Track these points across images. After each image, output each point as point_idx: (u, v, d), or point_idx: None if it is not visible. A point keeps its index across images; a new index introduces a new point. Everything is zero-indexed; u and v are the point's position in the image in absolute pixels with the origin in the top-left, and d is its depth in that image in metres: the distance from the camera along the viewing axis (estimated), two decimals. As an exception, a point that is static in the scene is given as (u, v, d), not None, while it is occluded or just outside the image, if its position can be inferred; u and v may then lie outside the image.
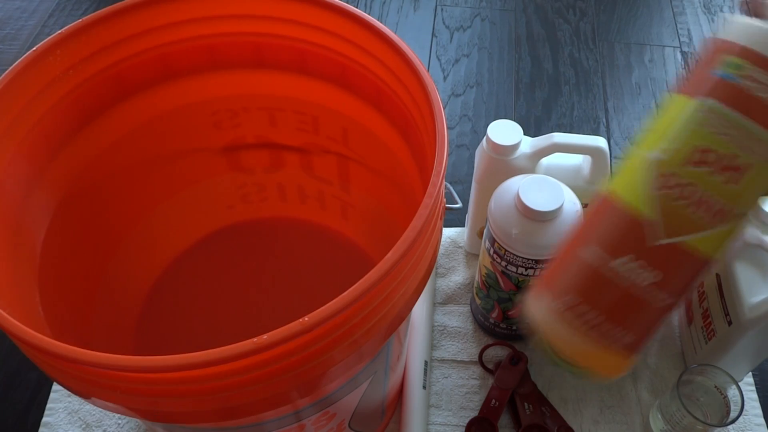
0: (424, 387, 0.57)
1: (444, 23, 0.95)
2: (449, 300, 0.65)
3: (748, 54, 0.22)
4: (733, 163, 0.23)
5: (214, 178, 0.61)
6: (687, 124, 0.23)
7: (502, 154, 0.56)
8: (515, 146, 0.55)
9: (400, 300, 0.35)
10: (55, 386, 0.60)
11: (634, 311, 0.25)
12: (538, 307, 0.28)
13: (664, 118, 0.25)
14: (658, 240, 0.24)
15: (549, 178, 0.50)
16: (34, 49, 0.42)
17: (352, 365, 0.35)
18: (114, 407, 0.33)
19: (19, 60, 0.41)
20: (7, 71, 0.40)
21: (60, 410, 0.58)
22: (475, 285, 0.60)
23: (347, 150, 0.56)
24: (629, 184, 0.25)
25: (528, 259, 0.50)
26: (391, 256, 0.31)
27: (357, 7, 0.45)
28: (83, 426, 0.57)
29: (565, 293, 0.26)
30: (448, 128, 0.37)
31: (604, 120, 0.83)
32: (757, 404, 0.59)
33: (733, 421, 0.49)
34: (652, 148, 0.25)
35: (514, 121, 0.56)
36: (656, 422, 0.55)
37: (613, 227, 0.25)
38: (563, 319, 0.26)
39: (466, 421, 0.57)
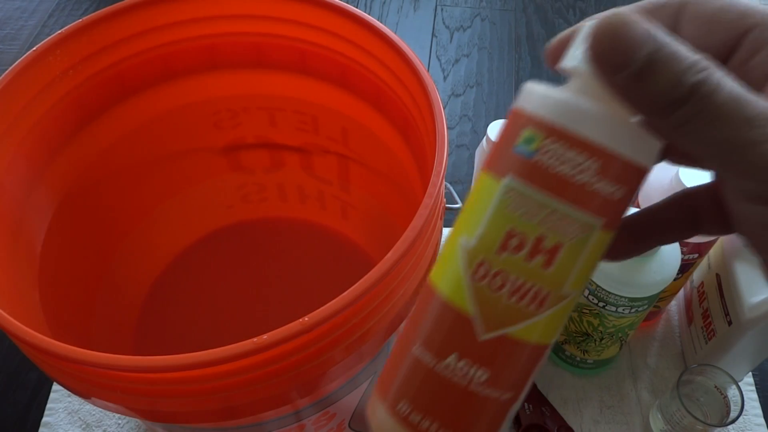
0: (424, 387, 0.57)
1: (444, 23, 0.95)
2: (449, 300, 0.65)
3: (541, 125, 0.21)
4: (542, 245, 0.21)
5: (214, 178, 0.61)
6: (491, 208, 0.22)
7: (502, 154, 0.56)
8: (515, 146, 0.55)
9: (400, 300, 0.35)
10: (55, 386, 0.60)
11: (475, 414, 0.23)
12: (375, 418, 0.25)
13: (472, 201, 0.23)
14: (480, 335, 0.22)
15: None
16: (34, 49, 0.42)
17: (352, 365, 0.35)
18: (114, 407, 0.33)
19: (19, 60, 0.41)
20: (7, 71, 0.40)
21: (60, 410, 0.58)
22: (475, 285, 0.60)
23: (347, 150, 0.56)
24: (444, 273, 0.23)
25: (528, 259, 0.50)
26: (391, 256, 0.31)
27: (357, 7, 0.45)
28: (83, 426, 0.57)
29: (398, 400, 0.24)
30: (448, 128, 0.37)
31: (604, 120, 0.83)
32: (757, 404, 0.59)
33: (733, 421, 0.49)
34: (464, 234, 0.23)
35: (514, 121, 0.56)
36: (656, 422, 0.55)
37: (435, 323, 0.23)
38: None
39: (466, 421, 0.57)
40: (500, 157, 0.22)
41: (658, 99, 0.18)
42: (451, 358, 0.22)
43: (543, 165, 0.21)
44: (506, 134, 0.22)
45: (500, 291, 0.22)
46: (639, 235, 0.24)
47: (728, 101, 0.18)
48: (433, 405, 0.23)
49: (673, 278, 0.47)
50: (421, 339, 0.23)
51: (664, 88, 0.18)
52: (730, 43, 0.20)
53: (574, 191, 0.21)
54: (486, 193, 0.22)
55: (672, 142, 0.20)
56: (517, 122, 0.22)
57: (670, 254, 0.47)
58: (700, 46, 0.21)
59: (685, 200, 0.24)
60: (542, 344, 0.23)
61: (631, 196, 0.22)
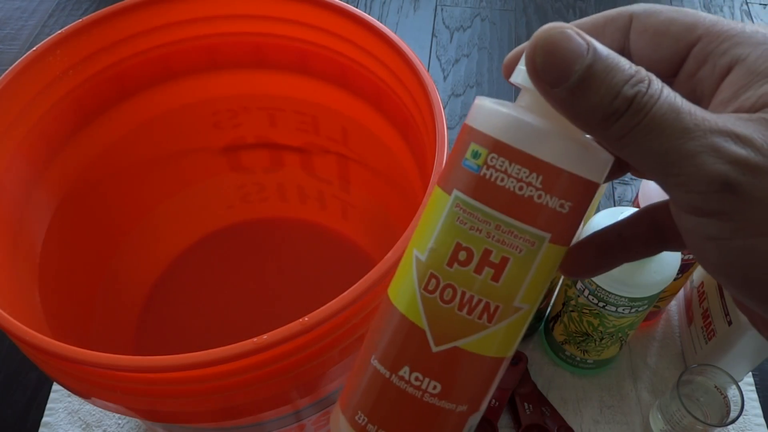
0: (424, 387, 0.57)
1: (444, 23, 0.95)
2: (449, 300, 0.65)
3: (486, 141, 0.21)
4: (489, 258, 0.21)
5: (214, 178, 0.61)
6: (442, 221, 0.22)
7: (502, 154, 0.56)
8: (515, 146, 0.55)
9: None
10: (55, 386, 0.60)
11: (430, 427, 0.23)
12: (336, 428, 0.25)
13: (426, 213, 0.23)
14: (432, 348, 0.22)
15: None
16: (34, 49, 0.42)
17: (352, 365, 0.35)
18: (114, 407, 0.33)
19: (19, 60, 0.41)
20: (7, 71, 0.40)
21: (60, 410, 0.58)
22: (475, 285, 0.60)
23: (347, 150, 0.56)
24: (399, 285, 0.23)
25: (528, 259, 0.50)
26: (391, 256, 0.31)
27: (357, 7, 0.45)
28: (83, 426, 0.57)
29: (356, 410, 0.24)
30: (448, 128, 0.37)
31: (604, 120, 0.83)
32: (757, 404, 0.59)
33: (733, 421, 0.49)
34: (417, 246, 0.23)
35: (514, 121, 0.56)
36: (656, 422, 0.55)
37: (390, 334, 0.23)
38: None
39: (466, 421, 0.57)
40: (450, 171, 0.22)
41: (596, 112, 0.18)
42: (405, 370, 0.23)
43: (488, 179, 0.21)
44: (456, 148, 0.22)
45: (450, 304, 0.22)
46: (605, 252, 0.24)
47: (666, 112, 0.17)
48: (388, 416, 0.23)
49: (673, 278, 0.47)
50: (378, 350, 0.24)
51: (602, 100, 0.18)
52: (679, 55, 0.20)
53: (518, 206, 0.21)
54: (437, 207, 0.22)
55: (615, 154, 0.20)
56: (465, 137, 0.22)
57: (670, 254, 0.47)
58: (650, 58, 0.21)
59: (648, 216, 0.24)
60: (497, 357, 0.23)
61: (581, 210, 0.22)
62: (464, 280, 0.22)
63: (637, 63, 0.19)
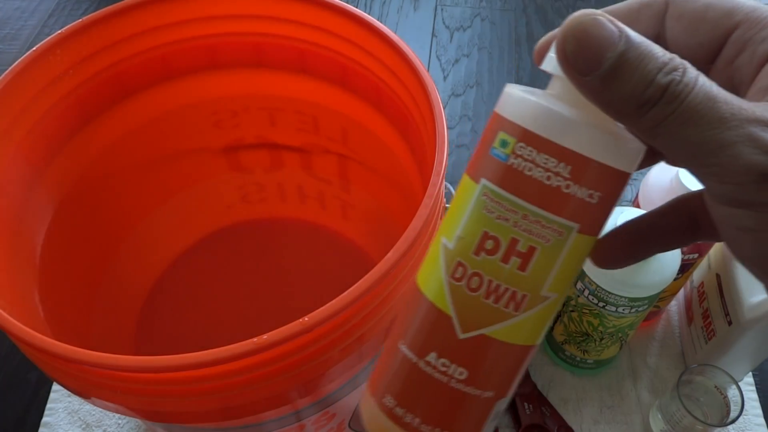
0: (424, 387, 0.57)
1: (444, 23, 0.95)
2: (449, 300, 0.65)
3: (514, 129, 0.21)
4: (516, 247, 0.21)
5: (214, 178, 0.61)
6: (470, 210, 0.22)
7: (502, 154, 0.56)
8: (515, 146, 0.55)
9: (400, 300, 0.35)
10: (55, 386, 0.60)
11: (456, 411, 0.23)
12: (364, 410, 0.25)
13: (455, 201, 0.23)
14: (459, 335, 0.22)
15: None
16: (34, 49, 0.42)
17: (352, 365, 0.35)
18: (114, 407, 0.33)
19: (19, 60, 0.41)
20: (7, 71, 0.40)
21: (60, 410, 0.58)
22: (475, 285, 0.60)
23: (347, 150, 0.56)
24: (428, 272, 0.23)
25: (528, 259, 0.50)
26: (391, 256, 0.31)
27: (357, 7, 0.45)
28: (83, 426, 0.57)
29: (384, 394, 0.24)
30: (448, 128, 0.37)
31: (604, 120, 0.83)
32: (757, 404, 0.59)
33: (733, 421, 0.49)
34: (445, 234, 0.23)
35: (514, 121, 0.56)
36: (656, 422, 0.55)
37: (417, 320, 0.23)
38: (385, 427, 0.24)
39: (466, 421, 0.57)
40: (478, 159, 0.22)
41: (628, 101, 0.18)
42: (432, 356, 0.23)
43: (516, 169, 0.21)
44: (485, 137, 0.22)
45: (477, 292, 0.22)
46: (637, 242, 0.24)
47: (702, 101, 0.17)
48: (415, 400, 0.23)
49: (673, 278, 0.47)
50: (406, 336, 0.24)
51: (635, 89, 0.18)
52: (717, 42, 0.20)
53: (546, 196, 0.21)
54: (465, 195, 0.22)
55: (648, 144, 0.20)
56: (494, 125, 0.22)
57: (670, 254, 0.48)
58: (686, 45, 0.20)
59: (682, 206, 0.23)
60: (524, 345, 0.23)
61: (612, 201, 0.21)
62: (491, 268, 0.22)
63: (672, 50, 0.19)
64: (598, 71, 0.18)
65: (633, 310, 0.49)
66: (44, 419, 0.57)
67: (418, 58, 0.41)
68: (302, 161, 0.60)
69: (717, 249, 0.56)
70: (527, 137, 0.21)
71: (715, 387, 0.53)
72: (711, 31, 0.20)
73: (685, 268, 0.55)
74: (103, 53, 0.46)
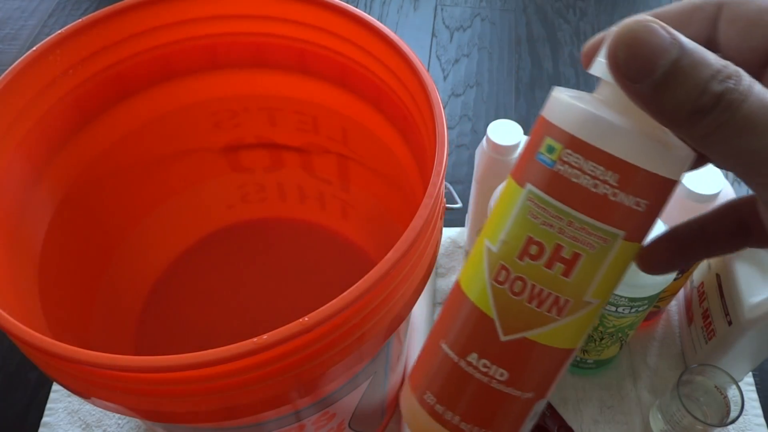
0: (424, 387, 0.57)
1: (444, 23, 0.95)
2: (449, 300, 0.65)
3: (561, 136, 0.21)
4: (561, 253, 0.21)
5: (214, 178, 0.61)
6: (515, 214, 0.22)
7: (502, 154, 0.56)
8: (515, 146, 0.55)
9: (400, 300, 0.35)
10: (55, 386, 0.60)
11: (496, 411, 0.24)
12: (405, 405, 0.26)
13: (499, 205, 0.23)
14: (500, 337, 0.23)
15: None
16: (34, 49, 0.42)
17: (352, 365, 0.35)
18: (114, 407, 0.33)
19: (19, 60, 0.41)
20: (7, 71, 0.40)
21: (60, 410, 0.58)
22: (475, 285, 0.60)
23: (347, 150, 0.56)
24: (470, 274, 0.24)
25: (528, 259, 0.50)
26: (391, 256, 0.31)
27: (357, 7, 0.45)
28: (83, 426, 0.57)
29: (425, 391, 0.25)
30: (448, 128, 0.37)
31: (604, 120, 0.83)
32: (757, 404, 0.59)
33: (733, 421, 0.49)
34: (489, 237, 0.23)
35: (514, 121, 0.56)
36: (656, 422, 0.55)
37: (459, 321, 0.24)
38: (425, 423, 0.25)
39: (466, 421, 0.57)
40: (524, 164, 0.22)
41: (681, 109, 0.17)
42: (473, 357, 0.23)
43: (562, 175, 0.21)
44: (531, 141, 0.22)
45: (520, 296, 0.22)
46: (686, 247, 0.24)
47: (757, 110, 0.17)
48: (456, 398, 0.24)
49: (673, 278, 0.47)
50: (448, 336, 0.24)
51: (688, 97, 0.17)
52: None
53: (592, 203, 0.21)
54: (510, 199, 0.22)
55: (698, 151, 0.19)
56: (540, 130, 0.22)
57: (670, 254, 0.47)
58: (740, 49, 0.20)
59: (731, 212, 0.23)
60: (565, 348, 0.23)
61: (659, 208, 0.21)
62: (535, 273, 0.22)
63: (725, 53, 0.18)
64: (651, 79, 0.17)
65: (633, 310, 0.49)
66: (44, 419, 0.57)
67: (418, 58, 0.41)
68: (302, 161, 0.60)
69: (717, 249, 0.55)
70: (574, 144, 0.20)
71: (715, 387, 0.53)
72: (765, 36, 0.20)
73: (685, 268, 0.55)
74: (103, 53, 0.46)
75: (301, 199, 0.65)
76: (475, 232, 0.65)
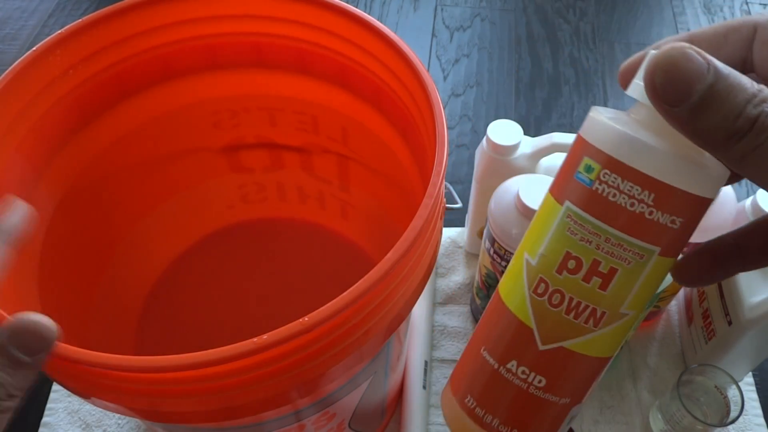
0: (424, 387, 0.57)
1: (444, 23, 0.95)
2: (449, 300, 0.65)
3: (599, 156, 0.22)
4: (598, 268, 0.22)
5: (214, 178, 0.61)
6: (553, 230, 0.23)
7: (502, 154, 0.56)
8: (515, 146, 0.55)
9: (400, 300, 0.35)
10: (55, 386, 0.60)
11: (534, 415, 0.25)
12: (446, 407, 0.27)
13: (538, 219, 0.24)
14: (539, 346, 0.24)
15: (549, 178, 0.50)
16: (34, 49, 0.42)
17: (352, 365, 0.35)
18: (114, 407, 0.33)
19: (19, 60, 0.41)
20: (7, 71, 0.40)
21: (60, 410, 0.58)
22: (475, 285, 0.60)
23: (347, 150, 0.56)
24: (510, 285, 0.25)
25: (528, 259, 0.50)
26: (391, 256, 0.31)
27: (357, 7, 0.45)
28: (83, 426, 0.57)
29: (465, 394, 0.26)
30: (448, 128, 0.37)
31: (604, 120, 0.83)
32: (757, 404, 0.59)
33: (733, 421, 0.49)
34: (528, 250, 0.24)
35: (514, 121, 0.56)
36: (656, 422, 0.55)
37: (499, 330, 0.25)
38: (465, 424, 0.26)
39: (466, 421, 0.57)
40: (563, 181, 0.23)
41: (717, 132, 0.18)
42: (512, 364, 0.24)
43: (600, 194, 0.22)
44: (570, 159, 0.23)
45: (558, 307, 0.23)
46: (721, 261, 0.24)
47: None
48: (495, 403, 0.25)
49: (672, 278, 0.47)
50: (488, 343, 0.25)
51: (724, 120, 0.18)
52: None
53: (629, 221, 0.21)
54: (549, 215, 0.23)
55: (734, 170, 0.20)
56: (579, 149, 0.23)
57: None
58: None
59: (766, 226, 0.24)
60: (601, 357, 0.24)
61: (693, 225, 0.22)
62: (572, 286, 0.23)
63: (760, 73, 0.19)
64: (687, 103, 0.18)
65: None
66: (44, 419, 0.57)
67: (418, 58, 0.41)
68: (302, 161, 0.60)
69: (717, 249, 0.55)
70: (612, 164, 0.21)
71: (715, 387, 0.53)
72: None
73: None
74: (103, 53, 0.46)
75: (301, 199, 0.65)
76: (475, 232, 0.65)
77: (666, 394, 0.53)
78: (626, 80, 0.23)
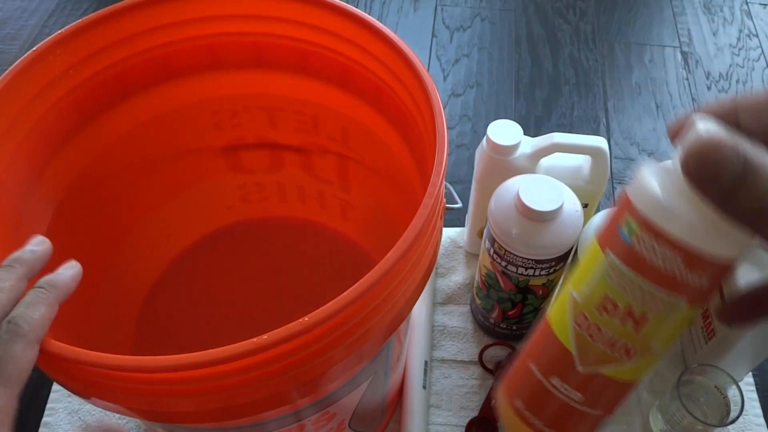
0: (424, 387, 0.57)
1: (444, 23, 0.95)
2: (449, 300, 0.65)
3: (639, 217, 0.25)
4: (632, 312, 0.26)
5: (214, 178, 0.61)
6: (596, 273, 0.27)
7: (502, 154, 0.56)
8: (515, 146, 0.55)
9: (400, 300, 0.35)
10: (55, 386, 0.60)
11: (572, 421, 0.30)
12: (499, 406, 0.32)
13: (585, 260, 0.28)
14: (578, 369, 0.28)
15: (549, 178, 0.50)
16: (34, 49, 0.42)
17: (352, 365, 0.35)
18: (114, 407, 0.33)
19: (19, 60, 0.41)
20: (7, 71, 0.40)
21: (60, 410, 0.58)
22: (475, 285, 0.60)
23: (347, 150, 0.56)
24: (557, 313, 0.29)
25: (528, 259, 0.50)
26: (391, 256, 0.31)
27: (357, 7, 0.45)
28: (83, 426, 0.57)
29: (515, 397, 0.31)
30: (448, 128, 0.37)
31: (604, 120, 0.83)
32: (757, 404, 0.59)
33: (733, 421, 0.49)
34: (574, 286, 0.28)
35: (514, 121, 0.56)
36: (656, 422, 0.55)
37: (545, 350, 0.29)
38: (514, 421, 0.31)
39: (466, 421, 0.57)
40: (609, 232, 0.27)
41: (746, 212, 0.20)
42: (555, 379, 0.29)
43: (637, 252, 0.25)
44: (616, 212, 0.26)
45: (596, 340, 0.27)
46: (758, 307, 0.27)
47: None
48: (540, 408, 0.30)
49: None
50: (535, 359, 0.30)
51: (751, 204, 0.20)
52: None
53: (662, 277, 0.24)
54: (594, 260, 0.27)
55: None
56: (623, 206, 0.26)
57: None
58: None
59: None
60: (631, 381, 0.28)
61: (720, 280, 0.25)
62: (609, 325, 0.26)
63: None
64: (718, 185, 0.20)
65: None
66: (44, 419, 0.57)
67: (418, 58, 0.41)
68: (302, 161, 0.60)
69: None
70: (648, 227, 0.24)
71: (715, 387, 0.53)
72: None
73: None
74: (103, 53, 0.46)
75: (302, 199, 0.65)
76: (475, 232, 0.65)
77: (666, 394, 0.53)
78: (674, 136, 0.25)
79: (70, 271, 0.33)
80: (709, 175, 0.20)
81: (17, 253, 0.33)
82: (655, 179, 0.24)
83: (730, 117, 0.22)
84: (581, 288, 0.27)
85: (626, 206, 0.25)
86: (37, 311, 0.30)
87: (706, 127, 0.21)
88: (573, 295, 0.28)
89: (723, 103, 0.23)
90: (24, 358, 0.29)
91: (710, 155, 0.20)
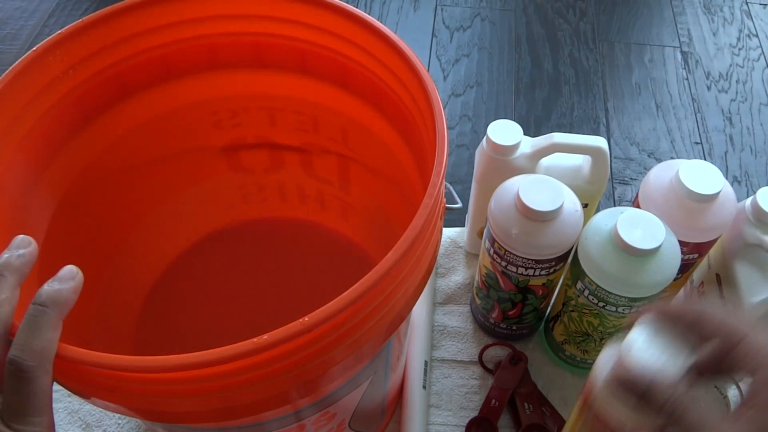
0: (424, 387, 0.57)
1: (444, 23, 0.96)
2: (449, 300, 0.65)
3: (600, 401, 0.36)
4: None
5: (214, 178, 0.61)
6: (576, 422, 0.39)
7: (502, 154, 0.56)
8: (515, 146, 0.55)
9: (400, 300, 0.35)
10: (55, 386, 0.59)
11: None
12: None
13: (573, 417, 0.40)
14: None
15: (549, 178, 0.50)
16: (34, 49, 0.42)
17: (353, 365, 0.35)
18: (114, 407, 0.33)
19: (19, 60, 0.41)
20: (7, 71, 0.40)
21: (60, 410, 0.58)
22: (475, 285, 0.60)
23: (347, 150, 0.56)
24: None
25: (528, 259, 0.50)
26: (391, 256, 0.31)
27: (357, 7, 0.45)
28: (83, 426, 0.57)
29: None
30: (448, 128, 0.37)
31: (604, 120, 0.83)
32: (757, 404, 0.59)
33: (733, 421, 0.49)
34: None
35: (514, 121, 0.56)
36: (656, 422, 0.55)
37: None
38: None
39: (466, 421, 0.57)
40: (586, 400, 0.39)
41: (652, 419, 0.30)
42: None
43: (603, 418, 0.36)
44: (588, 386, 0.38)
45: None
46: None
47: (696, 423, 0.29)
48: None
49: (673, 278, 0.47)
50: None
51: (650, 415, 0.30)
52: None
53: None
54: (577, 419, 0.39)
55: None
56: (589, 381, 0.38)
57: (670, 254, 0.47)
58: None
59: None
60: None
61: None
62: None
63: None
64: (629, 401, 0.31)
65: (633, 310, 0.49)
66: (44, 419, 0.57)
67: (418, 58, 0.41)
68: (302, 161, 0.60)
69: (717, 249, 0.56)
70: (604, 412, 0.36)
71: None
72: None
73: (685, 268, 0.55)
74: (103, 53, 0.46)
75: (301, 199, 0.65)
76: (475, 232, 0.65)
77: (666, 394, 0.53)
78: (627, 327, 0.35)
79: (70, 283, 0.33)
80: (624, 392, 0.31)
81: (5, 259, 0.33)
82: (612, 362, 0.34)
83: (673, 321, 0.33)
84: None
85: (593, 388, 0.36)
86: (43, 337, 0.30)
87: (628, 346, 0.33)
88: None
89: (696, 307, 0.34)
90: (42, 391, 0.30)
91: (625, 379, 0.31)
